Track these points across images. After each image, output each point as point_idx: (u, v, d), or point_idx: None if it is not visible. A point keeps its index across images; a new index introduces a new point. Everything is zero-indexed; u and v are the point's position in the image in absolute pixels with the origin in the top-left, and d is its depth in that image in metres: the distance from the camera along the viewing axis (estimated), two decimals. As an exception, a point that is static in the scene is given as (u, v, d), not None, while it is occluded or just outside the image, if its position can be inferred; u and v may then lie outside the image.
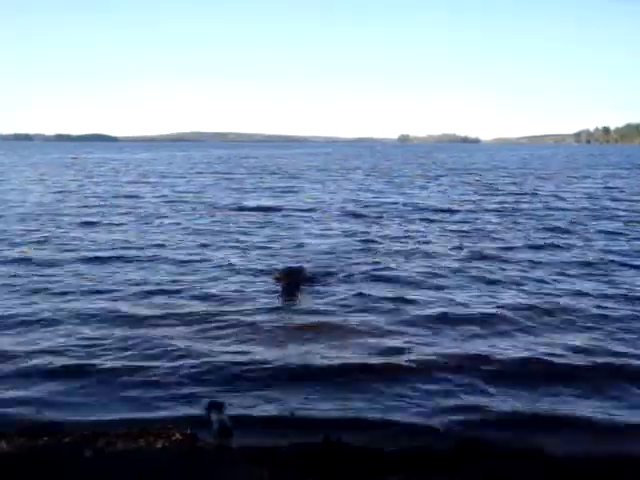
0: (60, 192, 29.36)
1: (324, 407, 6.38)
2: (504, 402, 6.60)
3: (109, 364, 7.34)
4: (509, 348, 8.08)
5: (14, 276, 11.68)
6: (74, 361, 7.48)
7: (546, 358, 7.70)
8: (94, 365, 7.31)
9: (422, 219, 20.33)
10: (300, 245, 15.32)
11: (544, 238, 16.54)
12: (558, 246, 15.37)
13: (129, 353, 7.72)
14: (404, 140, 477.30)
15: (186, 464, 4.84)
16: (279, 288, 10.61)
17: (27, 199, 26.07)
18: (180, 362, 7.37)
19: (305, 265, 11.96)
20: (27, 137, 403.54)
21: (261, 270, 12.13)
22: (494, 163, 71.26)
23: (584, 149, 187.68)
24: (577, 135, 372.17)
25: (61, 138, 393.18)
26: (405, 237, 16.70)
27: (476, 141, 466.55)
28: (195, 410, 6.15)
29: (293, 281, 10.73)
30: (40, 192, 29.35)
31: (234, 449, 5.27)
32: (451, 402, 6.58)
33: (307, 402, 6.48)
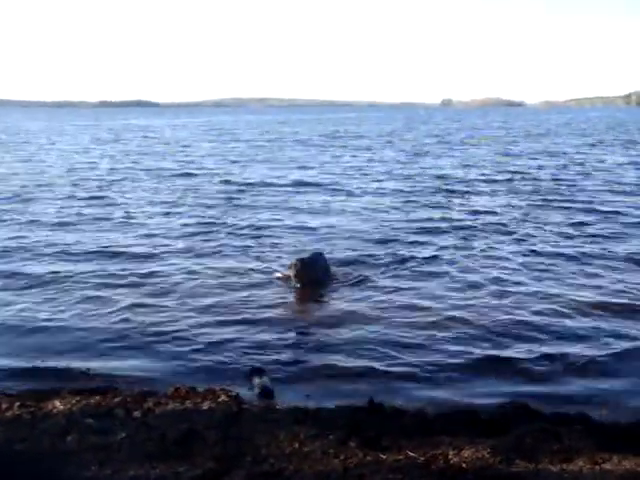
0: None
1: (367, 373, 6.49)
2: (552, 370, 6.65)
3: (156, 333, 7.56)
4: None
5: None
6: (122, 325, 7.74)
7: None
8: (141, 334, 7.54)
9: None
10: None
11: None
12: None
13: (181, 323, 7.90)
14: (447, 104, 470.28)
15: (231, 423, 4.96)
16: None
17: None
18: (223, 334, 7.51)
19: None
20: (71, 104, 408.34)
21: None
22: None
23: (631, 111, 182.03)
24: (627, 97, 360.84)
25: (104, 105, 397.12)
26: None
27: (521, 104, 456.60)
28: (239, 378, 6.29)
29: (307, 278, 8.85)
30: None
31: (278, 410, 5.37)
32: (489, 365, 6.68)
33: (350, 370, 6.58)
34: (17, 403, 5.36)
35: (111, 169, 25.66)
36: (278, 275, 9.24)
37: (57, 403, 5.38)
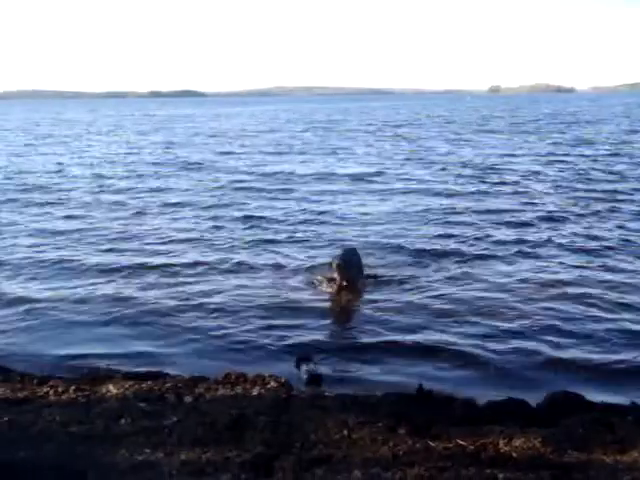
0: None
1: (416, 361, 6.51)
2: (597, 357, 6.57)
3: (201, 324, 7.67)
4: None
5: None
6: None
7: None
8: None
9: None
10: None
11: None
12: None
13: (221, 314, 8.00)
14: (495, 91, 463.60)
15: (281, 409, 5.00)
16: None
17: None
18: (270, 324, 7.57)
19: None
20: (121, 94, 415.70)
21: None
22: None
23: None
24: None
25: (154, 95, 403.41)
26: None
27: (571, 90, 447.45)
28: (287, 366, 6.35)
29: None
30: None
31: (326, 397, 5.40)
32: (540, 358, 6.60)
33: (398, 358, 6.59)
34: (73, 387, 5.52)
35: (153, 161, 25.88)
36: (319, 278, 8.94)
37: (111, 387, 5.52)
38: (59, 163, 25.14)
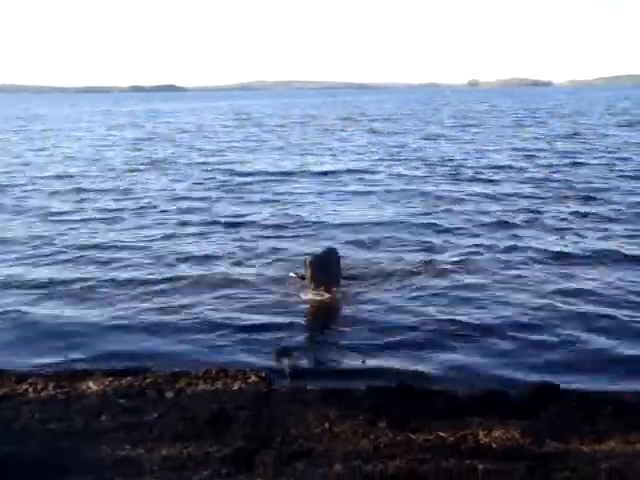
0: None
1: (398, 357, 6.51)
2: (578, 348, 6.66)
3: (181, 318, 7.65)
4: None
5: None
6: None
7: None
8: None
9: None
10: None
11: None
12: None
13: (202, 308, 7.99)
14: (474, 85, 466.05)
15: (261, 404, 5.01)
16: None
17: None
18: (249, 319, 7.55)
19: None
20: (102, 89, 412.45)
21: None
22: None
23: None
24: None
25: (135, 89, 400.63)
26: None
27: (548, 84, 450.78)
28: (268, 359, 6.35)
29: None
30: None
31: (307, 390, 5.40)
32: (521, 350, 6.65)
33: (380, 354, 6.60)
34: (52, 383, 5.48)
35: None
36: (292, 274, 8.68)
37: (90, 384, 5.49)
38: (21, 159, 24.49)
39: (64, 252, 10.63)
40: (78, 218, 13.40)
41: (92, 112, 73.89)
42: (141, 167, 21.76)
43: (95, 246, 11.01)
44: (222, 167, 21.42)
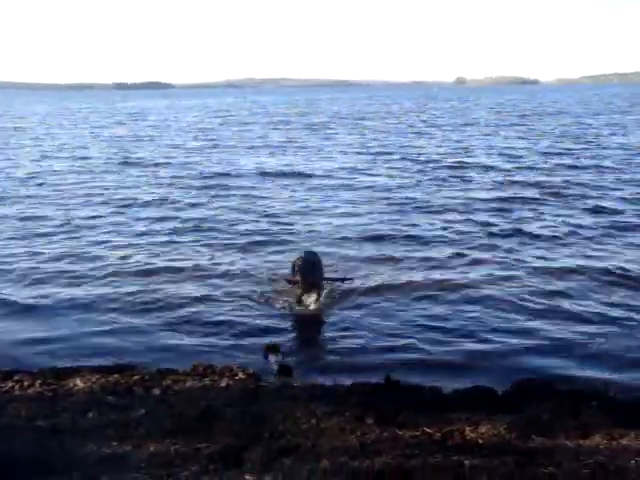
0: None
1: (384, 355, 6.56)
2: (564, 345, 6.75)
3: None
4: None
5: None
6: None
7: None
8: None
9: None
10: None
11: None
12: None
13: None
14: (461, 82, 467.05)
15: (249, 400, 5.00)
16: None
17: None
18: (238, 316, 7.59)
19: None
20: (85, 86, 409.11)
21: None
22: None
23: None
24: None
25: (120, 86, 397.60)
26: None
27: (535, 82, 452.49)
28: (256, 357, 6.37)
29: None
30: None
31: (295, 387, 5.42)
32: (506, 346, 6.73)
33: (366, 351, 6.64)
34: (39, 381, 5.46)
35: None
36: (281, 279, 8.59)
37: (78, 381, 5.47)
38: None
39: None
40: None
41: (88, 111, 72.68)
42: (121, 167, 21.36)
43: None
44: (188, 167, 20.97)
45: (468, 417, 4.68)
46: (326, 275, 8.45)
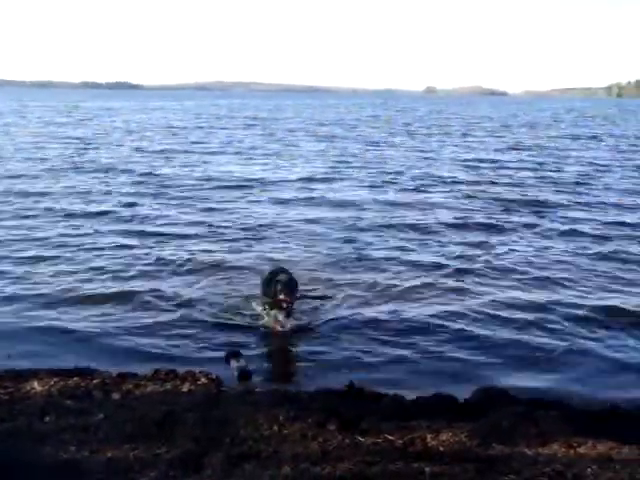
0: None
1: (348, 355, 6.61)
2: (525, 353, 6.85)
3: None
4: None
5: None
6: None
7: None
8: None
9: None
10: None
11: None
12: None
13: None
14: (431, 91, 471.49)
15: (211, 405, 4.96)
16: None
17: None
18: (201, 320, 7.54)
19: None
20: (51, 84, 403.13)
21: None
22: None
23: (613, 102, 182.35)
24: (608, 88, 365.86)
25: (87, 85, 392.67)
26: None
27: (504, 94, 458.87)
28: (218, 363, 6.28)
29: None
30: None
31: (257, 392, 5.39)
32: (469, 354, 6.79)
33: (331, 351, 6.67)
34: (-5, 383, 5.33)
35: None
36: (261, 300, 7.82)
37: (35, 384, 5.35)
38: None
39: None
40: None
41: (53, 110, 71.39)
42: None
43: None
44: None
45: (429, 425, 4.69)
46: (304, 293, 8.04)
